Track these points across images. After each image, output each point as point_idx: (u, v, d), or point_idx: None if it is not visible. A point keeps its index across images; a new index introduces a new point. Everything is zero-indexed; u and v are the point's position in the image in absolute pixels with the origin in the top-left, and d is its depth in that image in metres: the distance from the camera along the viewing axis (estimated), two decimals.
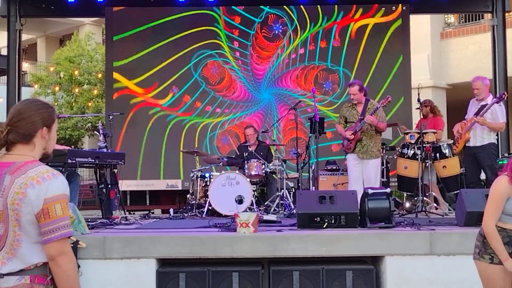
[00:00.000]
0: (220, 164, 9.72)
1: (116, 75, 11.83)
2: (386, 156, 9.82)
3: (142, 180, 11.63)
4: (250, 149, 9.83)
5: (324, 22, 11.84)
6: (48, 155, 2.85)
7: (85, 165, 8.32)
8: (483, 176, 8.88)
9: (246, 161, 9.40)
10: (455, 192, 8.56)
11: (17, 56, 10.97)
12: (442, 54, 17.57)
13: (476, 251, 4.23)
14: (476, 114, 8.49)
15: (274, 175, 9.51)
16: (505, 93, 8.67)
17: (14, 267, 2.67)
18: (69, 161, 7.48)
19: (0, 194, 2.66)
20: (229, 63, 11.86)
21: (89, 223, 6.67)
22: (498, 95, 8.63)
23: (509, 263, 4.02)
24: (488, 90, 8.71)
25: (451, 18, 18.49)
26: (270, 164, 9.42)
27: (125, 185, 10.93)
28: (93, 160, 7.95)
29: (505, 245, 4.04)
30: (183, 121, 11.79)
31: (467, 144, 8.63)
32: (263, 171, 9.33)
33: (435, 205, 8.87)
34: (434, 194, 8.98)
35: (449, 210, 8.93)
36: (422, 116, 9.76)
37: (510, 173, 4.02)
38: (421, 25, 16.46)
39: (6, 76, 11.40)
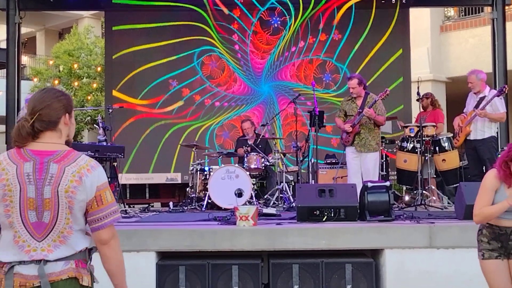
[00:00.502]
0: (220, 158, 9.71)
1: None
2: (386, 149, 9.83)
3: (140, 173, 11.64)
4: (249, 142, 9.83)
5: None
6: (70, 141, 2.89)
7: None
8: None
9: (245, 155, 9.40)
10: (455, 185, 8.57)
11: (16, 50, 10.93)
12: (442, 48, 17.53)
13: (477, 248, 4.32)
14: (476, 107, 8.49)
15: (273, 167, 9.51)
16: (506, 86, 8.67)
17: (62, 254, 2.72)
18: None
19: (47, 182, 2.68)
20: (228, 56, 11.83)
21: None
22: (499, 88, 8.62)
23: (504, 204, 4.08)
24: (484, 83, 8.70)
25: (451, 11, 18.46)
26: (270, 158, 9.42)
27: (124, 178, 10.94)
28: (92, 154, 7.96)
29: (492, 240, 4.13)
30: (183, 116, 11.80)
31: (468, 138, 8.62)
32: (263, 165, 9.33)
33: (434, 198, 8.88)
34: (433, 188, 8.99)
35: (448, 203, 8.94)
36: (421, 109, 9.76)
37: (498, 166, 4.12)
38: (421, 18, 16.42)
39: (5, 70, 11.37)
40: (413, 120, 10.65)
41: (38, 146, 2.75)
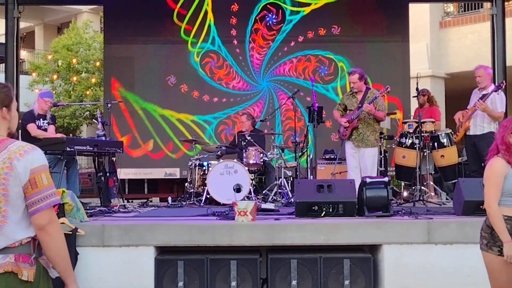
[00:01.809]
0: (219, 153, 9.70)
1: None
2: (384, 145, 9.84)
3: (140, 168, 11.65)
4: (248, 137, 9.83)
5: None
6: (12, 134, 2.85)
7: (83, 153, 8.35)
8: None
9: (244, 150, 9.40)
10: (453, 181, 8.58)
11: (15, 44, 10.91)
12: (441, 43, 17.54)
13: (483, 242, 4.20)
14: None
15: (272, 162, 9.50)
16: (504, 81, 8.66)
17: None
18: (68, 149, 7.49)
19: None
20: (227, 52, 11.83)
21: (88, 211, 6.69)
22: (497, 83, 8.61)
23: (509, 246, 4.01)
24: (490, 79, 8.70)
25: (450, 7, 18.45)
26: (269, 153, 9.42)
27: (123, 173, 10.92)
28: (91, 148, 7.97)
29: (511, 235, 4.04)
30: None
31: (467, 133, 8.61)
32: (262, 160, 9.34)
33: (432, 194, 8.89)
34: (431, 183, 9.00)
35: (446, 199, 8.96)
36: (418, 105, 9.78)
37: (504, 152, 4.07)
38: (420, 14, 16.42)
39: (4, 64, 11.35)
40: (412, 116, 10.65)
41: None
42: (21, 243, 2.69)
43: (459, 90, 10.39)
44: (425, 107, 9.71)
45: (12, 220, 2.68)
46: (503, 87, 8.44)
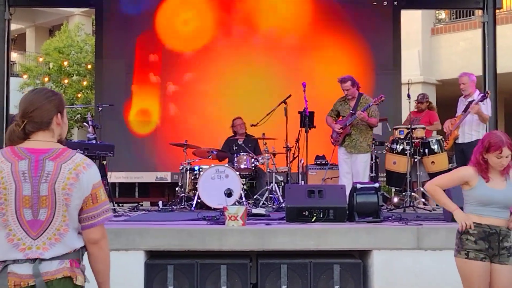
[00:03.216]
0: (210, 157, 9.68)
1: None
2: (375, 151, 9.85)
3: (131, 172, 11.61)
4: (239, 142, 9.84)
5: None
6: (62, 140, 2.89)
7: None
8: None
9: (235, 154, 9.40)
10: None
11: (6, 46, 10.87)
12: (433, 50, 17.60)
13: (455, 248, 4.30)
14: (464, 111, 8.53)
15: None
16: (488, 92, 8.71)
17: (57, 252, 2.70)
18: None
19: (44, 179, 2.67)
20: (221, 53, 11.82)
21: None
22: (482, 94, 8.65)
23: (458, 213, 4.24)
24: (475, 86, 8.74)
25: (442, 14, 18.53)
26: (260, 158, 9.42)
27: (114, 177, 10.90)
28: (82, 152, 7.92)
29: (480, 240, 4.13)
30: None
31: (456, 141, 8.67)
32: (253, 165, 9.34)
33: (423, 200, 8.91)
34: (422, 189, 9.01)
35: (437, 205, 8.97)
36: (416, 109, 9.82)
37: (474, 160, 4.25)
38: (412, 20, 16.48)
39: None
40: (403, 119, 10.68)
41: (32, 144, 2.75)
42: (75, 250, 2.76)
43: (451, 97, 10.41)
44: (423, 112, 9.78)
45: (71, 229, 2.74)
46: (487, 97, 8.48)
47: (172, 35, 11.90)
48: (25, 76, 22.19)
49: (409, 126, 8.92)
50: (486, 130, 8.67)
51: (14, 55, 25.28)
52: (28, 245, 2.67)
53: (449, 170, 8.85)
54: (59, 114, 2.84)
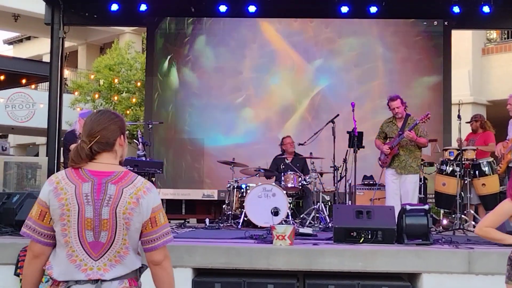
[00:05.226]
0: (257, 175, 9.69)
1: None
2: (425, 172, 9.73)
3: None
4: (287, 161, 9.83)
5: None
6: (122, 161, 2.94)
7: None
8: None
9: (282, 173, 9.40)
10: None
11: (59, 63, 11.14)
12: (483, 70, 17.37)
13: (506, 275, 4.18)
14: None
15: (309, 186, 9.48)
16: None
17: (118, 273, 2.74)
18: None
19: (106, 202, 2.72)
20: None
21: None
22: None
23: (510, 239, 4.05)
24: None
25: (493, 34, 18.28)
26: (307, 177, 9.39)
27: (161, 193, 11.00)
28: (132, 168, 8.02)
29: None
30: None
31: (510, 164, 8.48)
32: (300, 184, 9.31)
33: (473, 223, 8.74)
34: (472, 212, 8.85)
35: None
36: (472, 131, 9.71)
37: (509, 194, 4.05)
38: (462, 40, 16.32)
39: (48, 83, 11.58)
40: (453, 140, 10.53)
41: (95, 167, 2.80)
42: (133, 270, 2.81)
43: (501, 118, 10.21)
44: (478, 132, 9.63)
45: (131, 251, 2.79)
46: None
47: None
48: (76, 93, 22.62)
49: (459, 148, 8.78)
50: None
51: (66, 72, 25.64)
52: (89, 266, 2.71)
53: (501, 192, 8.72)
54: (122, 135, 2.90)
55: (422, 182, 9.51)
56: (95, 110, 3.12)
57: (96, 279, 2.70)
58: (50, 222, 2.74)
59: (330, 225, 8.15)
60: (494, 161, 8.91)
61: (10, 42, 33.31)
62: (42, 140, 25.16)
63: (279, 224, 7.41)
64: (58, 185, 2.73)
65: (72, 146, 8.32)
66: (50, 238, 2.76)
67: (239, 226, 8.68)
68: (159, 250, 2.82)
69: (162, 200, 10.88)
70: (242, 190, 9.26)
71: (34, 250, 2.78)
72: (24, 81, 15.30)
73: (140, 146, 8.53)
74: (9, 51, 32.72)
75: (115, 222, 2.71)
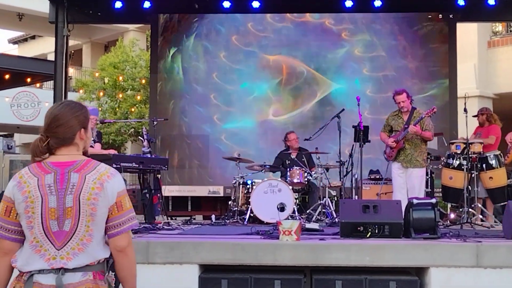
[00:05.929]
0: (263, 171, 9.67)
1: None
2: (431, 166, 9.69)
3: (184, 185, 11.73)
4: (292, 156, 9.80)
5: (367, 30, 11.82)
6: (86, 152, 2.93)
7: (129, 170, 8.40)
8: None
9: (288, 169, 9.37)
10: (502, 204, 8.39)
11: (64, 62, 11.13)
12: (489, 63, 17.29)
13: None
14: None
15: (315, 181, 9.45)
16: None
17: (81, 262, 2.74)
18: (114, 165, 7.55)
19: (69, 191, 2.72)
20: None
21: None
22: None
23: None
24: None
25: (499, 26, 18.19)
26: (313, 171, 9.36)
27: (167, 190, 11.00)
28: (137, 165, 8.02)
29: None
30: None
31: None
32: (306, 179, 9.28)
33: (481, 216, 8.69)
34: (480, 205, 8.80)
35: (495, 222, 8.75)
36: (479, 124, 9.68)
37: None
38: (468, 33, 16.24)
39: (53, 81, 11.58)
40: (469, 134, 10.50)
41: (57, 158, 2.80)
42: (98, 261, 2.79)
43: (508, 110, 10.20)
44: (485, 126, 9.59)
45: (96, 239, 2.78)
46: None
47: None
48: (81, 91, 22.65)
49: (465, 141, 8.73)
50: None
51: (70, 70, 25.72)
52: (52, 255, 2.71)
53: (508, 185, 8.68)
54: (82, 129, 2.87)
55: (429, 176, 9.46)
56: (58, 102, 3.07)
57: (58, 268, 2.70)
58: (17, 217, 2.76)
59: (336, 220, 8.12)
60: (501, 154, 8.85)
61: (15, 41, 33.37)
62: None
63: (285, 219, 7.37)
64: (21, 179, 2.75)
65: None
66: (18, 234, 2.78)
67: (245, 222, 8.66)
68: (124, 235, 2.82)
69: (167, 197, 11.05)
70: (248, 186, 9.23)
71: (3, 247, 2.80)
72: (29, 80, 15.34)
73: (145, 143, 8.50)
74: (14, 50, 32.82)
75: (78, 208, 2.71)
